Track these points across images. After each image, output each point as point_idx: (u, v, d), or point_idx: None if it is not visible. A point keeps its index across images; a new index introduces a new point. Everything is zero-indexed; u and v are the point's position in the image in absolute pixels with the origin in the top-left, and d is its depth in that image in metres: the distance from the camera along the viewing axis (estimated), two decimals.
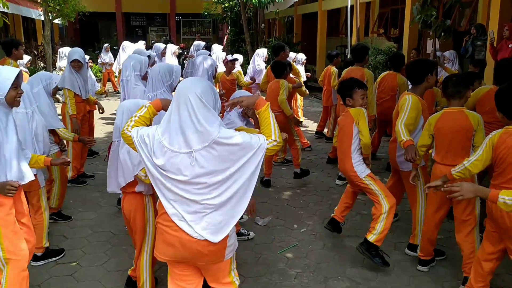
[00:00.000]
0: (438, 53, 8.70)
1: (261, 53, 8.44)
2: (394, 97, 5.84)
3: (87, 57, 7.00)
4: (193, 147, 2.06)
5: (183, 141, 2.07)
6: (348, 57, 9.92)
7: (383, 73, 6.04)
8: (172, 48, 10.15)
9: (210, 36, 23.34)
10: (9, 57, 5.99)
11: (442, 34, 6.02)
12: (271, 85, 5.68)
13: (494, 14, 7.22)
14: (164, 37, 23.06)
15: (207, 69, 6.91)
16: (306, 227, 4.42)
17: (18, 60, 6.48)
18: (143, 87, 4.71)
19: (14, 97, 2.72)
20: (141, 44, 10.51)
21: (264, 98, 2.49)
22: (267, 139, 2.14)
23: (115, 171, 2.92)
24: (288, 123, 5.47)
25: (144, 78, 4.95)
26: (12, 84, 2.68)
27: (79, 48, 5.46)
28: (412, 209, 3.88)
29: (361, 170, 3.68)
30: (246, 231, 4.14)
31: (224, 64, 6.99)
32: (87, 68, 5.81)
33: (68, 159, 3.32)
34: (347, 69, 5.61)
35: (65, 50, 10.08)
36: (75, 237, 4.18)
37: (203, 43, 10.09)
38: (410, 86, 4.13)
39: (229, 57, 6.91)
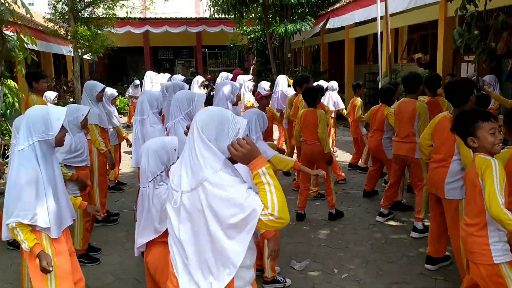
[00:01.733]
0: (474, 78, 8.27)
1: (282, 80, 8.29)
2: None
3: (114, 90, 6.92)
4: (183, 188, 1.83)
5: (178, 178, 1.87)
6: (380, 85, 9.57)
7: (396, 102, 5.57)
8: (199, 79, 10.07)
9: (236, 67, 23.44)
10: (31, 91, 5.86)
11: (487, 58, 5.59)
12: (306, 115, 5.28)
13: None
14: (190, 69, 23.30)
15: (226, 96, 5.37)
16: (348, 272, 4.00)
17: (45, 96, 6.40)
18: (162, 126, 4.33)
19: (61, 138, 2.72)
20: (165, 76, 10.47)
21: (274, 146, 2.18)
22: (263, 209, 1.76)
23: (145, 221, 2.63)
24: (325, 156, 5.11)
25: (160, 113, 4.62)
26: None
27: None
28: (454, 246, 3.48)
29: (498, 253, 2.48)
30: (282, 278, 3.76)
31: (257, 100, 6.14)
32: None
33: (101, 215, 3.30)
34: (398, 102, 5.16)
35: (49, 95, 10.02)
36: (96, 286, 3.88)
37: (230, 75, 9.88)
38: None
39: (262, 90, 6.21)
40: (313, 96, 5.30)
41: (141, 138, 4.18)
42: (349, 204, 5.84)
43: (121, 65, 22.98)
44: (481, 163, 2.49)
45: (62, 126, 2.67)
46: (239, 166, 1.92)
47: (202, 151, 1.81)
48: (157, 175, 2.57)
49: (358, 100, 7.20)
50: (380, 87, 9.65)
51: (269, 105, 6.17)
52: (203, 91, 9.92)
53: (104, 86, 5.19)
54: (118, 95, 6.41)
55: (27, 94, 6.12)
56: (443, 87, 4.97)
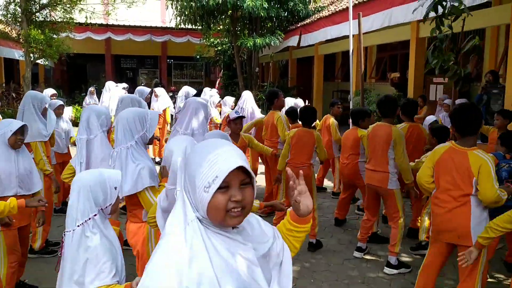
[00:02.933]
0: (447, 101, 8.08)
1: (249, 96, 7.76)
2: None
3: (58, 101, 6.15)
4: None
5: None
6: (351, 104, 9.26)
7: (401, 126, 5.21)
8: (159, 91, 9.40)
9: (202, 80, 22.85)
10: None
11: (459, 82, 5.33)
12: (301, 135, 4.81)
13: None
14: (155, 80, 22.51)
15: (203, 120, 4.18)
16: None
17: None
18: (112, 152, 3.31)
19: None
20: (121, 86, 9.76)
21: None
22: None
23: (62, 272, 2.03)
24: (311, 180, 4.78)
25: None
26: None
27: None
28: None
29: None
30: None
31: (227, 124, 5.36)
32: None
33: (45, 203, 2.91)
34: (373, 125, 4.67)
35: (47, 92, 9.27)
36: None
37: (193, 91, 9.22)
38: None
39: (232, 114, 5.16)
40: (311, 116, 4.93)
41: (85, 163, 3.45)
42: (320, 234, 5.35)
43: (80, 72, 21.91)
44: None
45: None
46: None
47: None
48: (89, 218, 1.98)
49: (333, 120, 6.75)
50: (351, 106, 9.37)
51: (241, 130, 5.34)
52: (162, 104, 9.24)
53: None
54: (62, 104, 5.63)
55: None
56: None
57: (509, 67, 6.66)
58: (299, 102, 8.25)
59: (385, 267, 4.36)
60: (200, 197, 1.23)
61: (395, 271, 4.29)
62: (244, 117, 5.48)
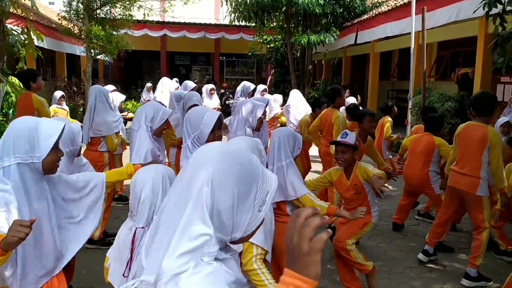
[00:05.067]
0: None
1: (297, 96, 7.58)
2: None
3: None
4: (139, 276, 1.09)
5: (143, 258, 1.11)
6: (410, 104, 8.86)
7: (462, 125, 4.73)
8: (208, 87, 9.36)
9: (253, 77, 22.86)
10: (29, 90, 5.31)
11: None
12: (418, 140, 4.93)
13: None
14: (207, 77, 22.78)
15: (245, 118, 4.00)
16: None
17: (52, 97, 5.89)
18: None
19: (52, 162, 2.03)
20: (173, 81, 9.85)
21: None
22: None
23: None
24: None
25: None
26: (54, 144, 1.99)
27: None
28: None
29: None
30: None
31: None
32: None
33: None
34: (464, 124, 4.21)
35: (108, 88, 9.55)
36: None
37: (252, 85, 9.03)
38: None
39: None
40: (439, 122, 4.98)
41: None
42: (378, 239, 5.11)
43: (136, 68, 22.57)
44: None
45: (56, 147, 2.03)
46: None
47: (188, 226, 1.06)
48: None
49: (389, 119, 6.55)
50: (409, 106, 8.95)
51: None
52: (214, 102, 9.24)
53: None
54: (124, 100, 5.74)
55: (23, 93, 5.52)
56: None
57: None
58: (351, 100, 7.99)
59: (463, 278, 4.04)
60: (253, 217, 1.13)
61: (474, 284, 3.99)
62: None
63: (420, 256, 4.46)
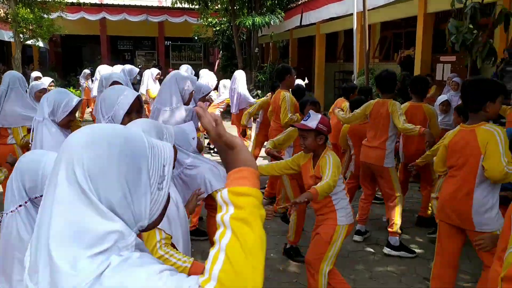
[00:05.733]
0: (456, 79, 7.65)
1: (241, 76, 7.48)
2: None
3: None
4: None
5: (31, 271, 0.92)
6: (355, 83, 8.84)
7: (403, 105, 4.68)
8: (154, 71, 9.01)
9: (200, 61, 22.34)
10: None
11: (488, 57, 4.88)
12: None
13: None
14: (153, 62, 22.04)
15: (170, 93, 3.84)
16: None
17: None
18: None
19: None
20: (117, 68, 9.27)
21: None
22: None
23: None
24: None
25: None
26: None
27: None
28: None
29: None
30: None
31: None
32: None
33: None
34: (373, 101, 4.35)
35: (33, 75, 8.84)
36: None
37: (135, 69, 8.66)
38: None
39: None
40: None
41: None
42: None
43: (76, 54, 21.41)
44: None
45: None
46: None
47: (77, 222, 0.86)
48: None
49: (346, 104, 6.36)
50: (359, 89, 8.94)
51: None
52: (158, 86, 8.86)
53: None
54: (45, 88, 5.20)
55: None
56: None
57: None
58: (298, 82, 7.86)
59: (385, 246, 4.22)
60: (155, 198, 0.97)
61: (394, 252, 4.15)
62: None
63: (356, 237, 4.48)
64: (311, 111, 3.09)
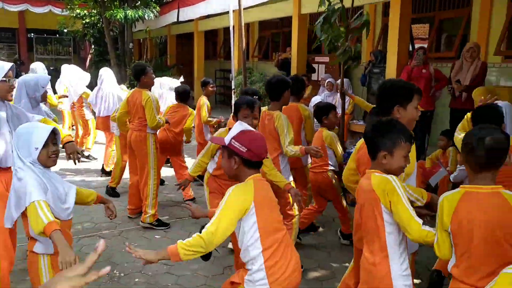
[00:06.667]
0: (330, 80, 7.82)
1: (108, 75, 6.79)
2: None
3: None
4: None
5: None
6: (233, 84, 8.58)
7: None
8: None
9: (70, 56, 20.40)
10: None
11: (350, 59, 4.91)
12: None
13: (393, 38, 6.42)
14: (14, 56, 19.58)
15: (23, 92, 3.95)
16: None
17: None
18: None
19: None
20: None
21: None
22: None
23: None
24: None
25: None
26: None
27: None
28: None
29: None
30: None
31: None
32: None
33: None
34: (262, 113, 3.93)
35: None
36: None
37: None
38: None
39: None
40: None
41: None
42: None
43: None
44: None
45: None
46: None
47: None
48: None
49: (204, 100, 6.08)
50: (232, 86, 8.68)
51: None
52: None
53: None
54: None
55: None
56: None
57: (389, 47, 6.50)
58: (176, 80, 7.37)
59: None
60: None
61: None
62: None
63: None
64: (238, 122, 2.32)
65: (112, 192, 5.74)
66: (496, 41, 6.66)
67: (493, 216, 1.79)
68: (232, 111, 3.53)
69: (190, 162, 7.49)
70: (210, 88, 6.28)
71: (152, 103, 4.64)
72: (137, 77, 4.83)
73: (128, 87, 12.38)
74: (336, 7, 4.80)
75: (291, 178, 3.78)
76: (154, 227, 4.71)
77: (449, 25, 8.67)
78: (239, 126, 2.21)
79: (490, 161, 1.83)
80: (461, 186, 1.92)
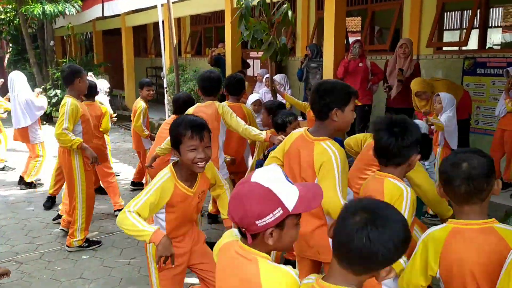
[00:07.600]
0: (269, 76, 7.59)
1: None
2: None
3: None
4: None
5: None
6: (165, 83, 8.11)
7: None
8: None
9: None
10: None
11: (277, 54, 4.70)
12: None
13: (329, 31, 6.28)
14: None
15: None
16: None
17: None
18: None
19: None
20: None
21: None
22: None
23: None
24: None
25: None
26: None
27: None
28: None
29: None
30: None
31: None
32: None
33: None
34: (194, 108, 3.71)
35: None
36: None
37: None
38: None
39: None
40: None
41: None
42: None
43: None
44: None
45: None
46: None
47: None
48: None
49: (141, 104, 5.61)
50: (164, 85, 8.21)
51: None
52: None
53: None
54: None
55: None
56: None
57: (325, 41, 6.36)
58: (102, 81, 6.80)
59: None
60: None
61: None
62: None
63: None
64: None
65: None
66: (428, 33, 6.75)
67: (488, 259, 1.51)
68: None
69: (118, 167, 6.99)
70: (146, 91, 5.72)
71: (66, 109, 3.90)
72: (70, 80, 4.07)
73: (49, 89, 11.49)
74: (256, 1, 4.67)
75: (227, 176, 3.79)
76: (83, 248, 4.20)
77: (381, 18, 8.76)
78: None
79: (472, 193, 1.56)
80: (448, 221, 1.64)
